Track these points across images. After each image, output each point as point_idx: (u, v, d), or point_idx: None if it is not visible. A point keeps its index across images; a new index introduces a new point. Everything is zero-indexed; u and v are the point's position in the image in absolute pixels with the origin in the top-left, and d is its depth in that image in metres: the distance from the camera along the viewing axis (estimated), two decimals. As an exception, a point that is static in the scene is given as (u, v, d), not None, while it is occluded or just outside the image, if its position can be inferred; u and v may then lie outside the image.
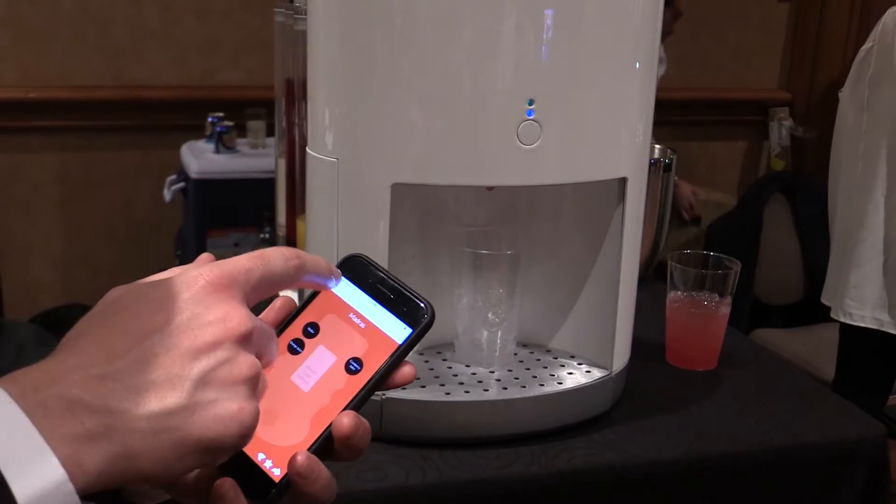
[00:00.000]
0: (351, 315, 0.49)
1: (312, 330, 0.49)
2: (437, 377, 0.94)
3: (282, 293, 0.50)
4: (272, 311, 0.50)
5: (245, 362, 0.42)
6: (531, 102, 0.80)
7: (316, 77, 0.85)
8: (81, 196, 2.82)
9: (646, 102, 0.89)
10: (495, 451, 0.88)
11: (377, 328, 0.49)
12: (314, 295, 0.50)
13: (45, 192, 2.79)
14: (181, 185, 2.57)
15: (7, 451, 0.35)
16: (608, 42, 0.83)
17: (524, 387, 0.93)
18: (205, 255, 0.47)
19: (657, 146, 1.22)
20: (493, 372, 0.96)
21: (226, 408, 0.40)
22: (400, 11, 0.79)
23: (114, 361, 0.39)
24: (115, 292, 0.44)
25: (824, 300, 1.83)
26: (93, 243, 2.85)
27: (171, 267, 0.46)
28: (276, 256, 0.46)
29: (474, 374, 0.95)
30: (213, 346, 0.41)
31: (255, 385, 0.42)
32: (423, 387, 0.91)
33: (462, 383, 0.93)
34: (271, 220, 2.50)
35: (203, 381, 0.40)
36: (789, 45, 3.43)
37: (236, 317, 0.42)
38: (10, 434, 0.35)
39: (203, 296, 0.42)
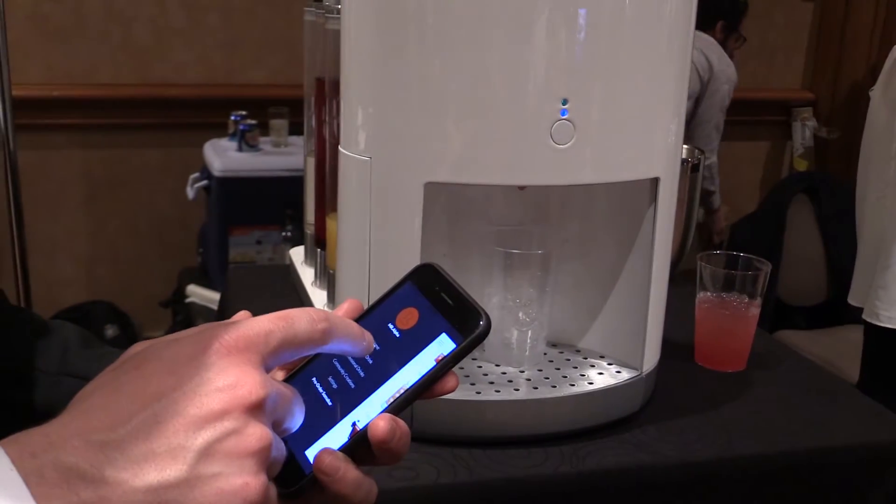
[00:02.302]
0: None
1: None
2: (468, 376, 0.94)
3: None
4: (339, 312, 0.50)
5: (254, 434, 0.39)
6: (565, 102, 0.79)
7: (349, 76, 0.85)
8: (105, 193, 2.84)
9: (678, 102, 0.89)
10: (526, 450, 0.88)
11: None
12: (382, 299, 0.50)
13: (70, 189, 2.81)
14: (204, 182, 2.59)
15: None
16: (642, 41, 0.83)
17: (554, 386, 0.93)
18: (242, 313, 0.46)
19: (685, 146, 1.21)
20: (523, 371, 0.96)
21: (229, 482, 0.38)
22: (433, 10, 0.79)
23: (116, 428, 0.38)
24: (135, 349, 0.43)
25: (851, 300, 1.81)
26: (116, 240, 2.88)
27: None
28: (302, 318, 0.44)
29: (504, 373, 0.95)
30: (220, 416, 0.39)
31: (264, 458, 0.40)
32: (454, 386, 0.91)
33: (492, 382, 0.93)
34: (294, 219, 2.52)
35: (207, 453, 0.38)
36: (813, 44, 3.41)
37: (248, 383, 0.40)
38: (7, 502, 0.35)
39: (216, 359, 0.40)
